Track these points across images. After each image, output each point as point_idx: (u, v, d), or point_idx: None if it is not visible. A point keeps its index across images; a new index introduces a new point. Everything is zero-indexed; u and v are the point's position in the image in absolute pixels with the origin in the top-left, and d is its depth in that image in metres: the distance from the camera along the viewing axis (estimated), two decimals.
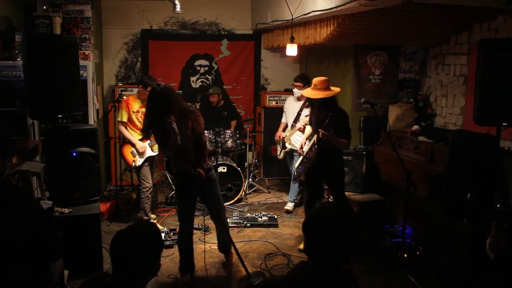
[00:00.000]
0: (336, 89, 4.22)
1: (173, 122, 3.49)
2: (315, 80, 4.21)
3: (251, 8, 7.19)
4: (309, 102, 4.37)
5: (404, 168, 3.85)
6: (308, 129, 4.61)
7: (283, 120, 5.95)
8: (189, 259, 3.99)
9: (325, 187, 4.97)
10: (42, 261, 2.37)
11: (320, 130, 4.01)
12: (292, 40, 5.24)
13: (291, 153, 5.77)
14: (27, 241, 2.20)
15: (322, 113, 4.15)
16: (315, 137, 4.20)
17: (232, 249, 4.33)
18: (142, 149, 4.93)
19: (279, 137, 5.85)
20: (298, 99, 5.64)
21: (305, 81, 5.51)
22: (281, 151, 5.86)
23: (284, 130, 5.86)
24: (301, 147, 4.48)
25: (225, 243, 4.25)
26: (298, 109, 5.61)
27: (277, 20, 5.86)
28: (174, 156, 3.83)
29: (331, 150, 4.16)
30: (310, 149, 4.31)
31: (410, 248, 4.31)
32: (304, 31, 5.45)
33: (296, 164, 4.64)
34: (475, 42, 4.52)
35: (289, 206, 5.78)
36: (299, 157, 5.61)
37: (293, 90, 5.58)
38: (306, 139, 4.54)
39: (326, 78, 4.23)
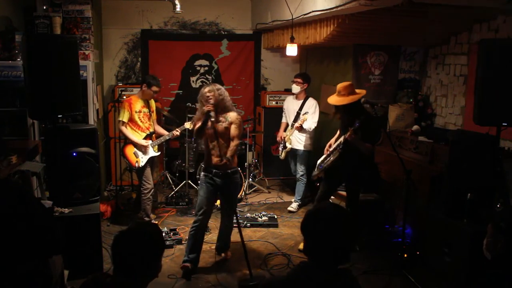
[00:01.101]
0: (361, 92, 4.21)
1: (211, 111, 3.87)
2: (339, 86, 4.21)
3: (251, 8, 7.19)
4: (335, 108, 4.35)
5: (404, 168, 3.85)
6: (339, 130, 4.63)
7: (284, 120, 5.96)
8: (196, 251, 4.06)
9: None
10: (44, 255, 2.38)
11: (350, 129, 4.04)
12: (292, 40, 5.24)
13: (292, 153, 5.77)
14: (28, 235, 2.21)
15: (349, 117, 4.17)
16: (341, 139, 4.23)
17: (229, 250, 4.40)
18: (145, 144, 4.92)
19: (281, 137, 5.85)
20: (297, 97, 5.68)
21: (305, 79, 5.60)
22: (282, 151, 5.85)
23: (285, 130, 5.87)
24: (330, 146, 4.49)
25: (223, 244, 4.35)
26: (298, 107, 5.63)
27: (277, 20, 5.86)
28: (206, 151, 4.08)
29: (355, 153, 4.16)
30: (335, 149, 4.33)
31: (410, 248, 4.31)
32: (304, 31, 5.45)
33: (319, 161, 4.63)
34: (475, 42, 4.52)
35: (293, 206, 5.78)
36: (302, 156, 5.63)
37: (292, 86, 5.64)
38: (335, 139, 4.55)
39: (349, 82, 4.24)
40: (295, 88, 5.60)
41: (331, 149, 4.43)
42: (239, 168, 4.00)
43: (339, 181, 4.56)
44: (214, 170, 3.97)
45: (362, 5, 3.71)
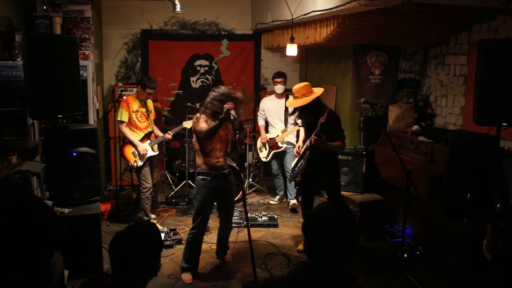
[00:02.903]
0: (318, 91, 4.17)
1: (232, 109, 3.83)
2: (294, 88, 4.23)
3: (251, 8, 7.19)
4: (294, 110, 4.38)
5: (404, 168, 3.84)
6: (302, 131, 4.63)
7: (261, 122, 5.96)
8: (195, 258, 4.03)
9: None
10: (48, 250, 2.38)
11: (312, 137, 4.04)
12: (292, 40, 5.24)
13: (279, 153, 5.78)
14: (31, 233, 2.21)
15: (309, 117, 4.17)
16: (307, 142, 4.21)
17: (229, 252, 4.38)
18: (143, 152, 4.93)
19: (266, 139, 5.83)
20: (279, 96, 5.74)
21: (286, 78, 5.79)
22: (268, 153, 5.82)
23: (266, 131, 5.90)
24: (299, 148, 4.48)
25: (223, 247, 4.32)
26: (283, 107, 5.68)
27: (277, 20, 5.86)
28: (202, 153, 3.98)
29: (324, 154, 4.17)
30: (304, 153, 4.32)
31: (410, 248, 4.31)
32: (304, 31, 5.45)
33: (292, 165, 4.64)
34: (475, 42, 4.52)
35: (293, 202, 5.75)
36: (292, 154, 5.63)
37: (276, 87, 5.72)
38: (303, 141, 4.54)
39: (305, 84, 4.23)
40: (281, 89, 5.69)
41: (300, 153, 4.41)
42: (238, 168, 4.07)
43: (317, 184, 4.58)
44: (213, 172, 3.90)
45: (362, 5, 3.71)
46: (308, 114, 4.18)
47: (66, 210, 3.82)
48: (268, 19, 6.27)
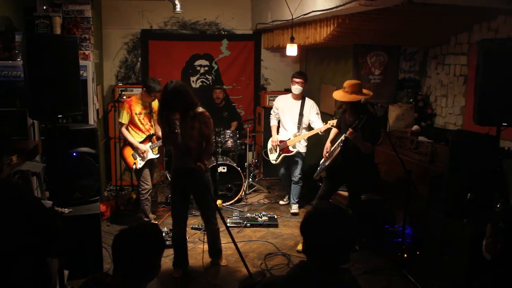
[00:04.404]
0: (367, 93, 4.22)
1: (176, 121, 3.72)
2: (346, 82, 4.25)
3: (251, 8, 7.19)
4: (341, 104, 4.37)
5: (404, 168, 3.85)
6: (334, 131, 4.64)
7: (274, 122, 5.74)
8: (182, 255, 4.05)
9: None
10: (44, 254, 2.38)
11: (350, 129, 4.06)
12: (292, 40, 5.24)
13: (289, 156, 5.61)
14: (28, 235, 2.21)
15: (352, 116, 4.20)
16: (342, 137, 4.25)
17: (223, 254, 4.32)
18: (144, 153, 4.93)
19: (277, 142, 5.58)
20: (296, 97, 5.51)
21: (306, 79, 5.50)
22: (278, 156, 5.63)
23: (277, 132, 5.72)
24: (327, 151, 4.50)
25: (215, 248, 4.24)
26: (298, 108, 5.47)
27: (277, 20, 5.86)
28: (175, 152, 3.96)
29: (355, 151, 4.18)
30: (336, 148, 4.35)
31: (410, 248, 4.31)
32: (304, 31, 5.45)
33: (321, 162, 4.64)
34: (475, 42, 4.52)
35: (295, 208, 5.67)
36: (302, 159, 5.58)
37: (294, 87, 5.40)
38: (330, 141, 4.56)
39: (357, 82, 4.25)
40: (298, 89, 5.39)
41: (332, 148, 4.44)
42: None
43: (341, 181, 4.56)
44: (180, 170, 3.91)
45: (362, 5, 3.71)
46: (352, 112, 4.21)
47: (66, 210, 3.81)
48: (268, 19, 6.27)
